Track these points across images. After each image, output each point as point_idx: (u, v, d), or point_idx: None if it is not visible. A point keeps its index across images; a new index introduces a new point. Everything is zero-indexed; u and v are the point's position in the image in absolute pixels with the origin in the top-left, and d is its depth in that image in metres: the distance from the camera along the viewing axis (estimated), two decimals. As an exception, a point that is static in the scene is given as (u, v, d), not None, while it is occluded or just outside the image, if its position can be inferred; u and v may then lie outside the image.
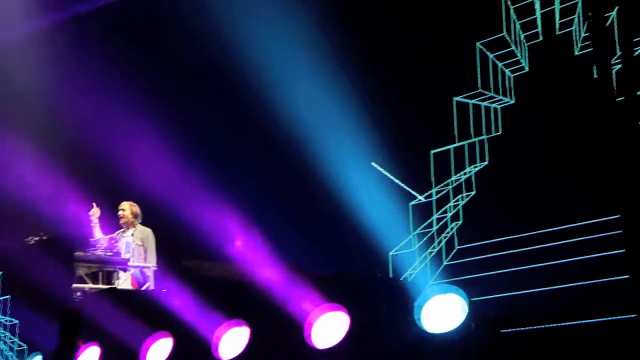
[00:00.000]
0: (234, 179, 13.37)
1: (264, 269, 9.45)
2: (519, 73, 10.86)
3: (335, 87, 12.09)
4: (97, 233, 12.46)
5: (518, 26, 10.90)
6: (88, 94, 14.39)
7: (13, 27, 15.33)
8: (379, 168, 11.53)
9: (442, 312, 7.97)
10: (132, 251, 12.34)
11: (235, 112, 13.52)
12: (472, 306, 7.84)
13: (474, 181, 11.03)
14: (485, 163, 10.94)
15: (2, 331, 11.53)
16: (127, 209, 12.66)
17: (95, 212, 12.49)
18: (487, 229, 10.55)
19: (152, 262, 12.40)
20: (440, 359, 7.81)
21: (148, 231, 12.59)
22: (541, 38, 10.76)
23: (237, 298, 9.34)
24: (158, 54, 14.72)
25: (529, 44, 10.82)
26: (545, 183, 10.32)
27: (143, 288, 12.13)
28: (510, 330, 8.21)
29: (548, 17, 10.74)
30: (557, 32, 10.62)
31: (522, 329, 8.27)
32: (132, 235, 12.50)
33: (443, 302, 8.02)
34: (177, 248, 12.70)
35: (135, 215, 12.64)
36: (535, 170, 10.43)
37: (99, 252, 12.10)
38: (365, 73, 12.04)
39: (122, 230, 12.64)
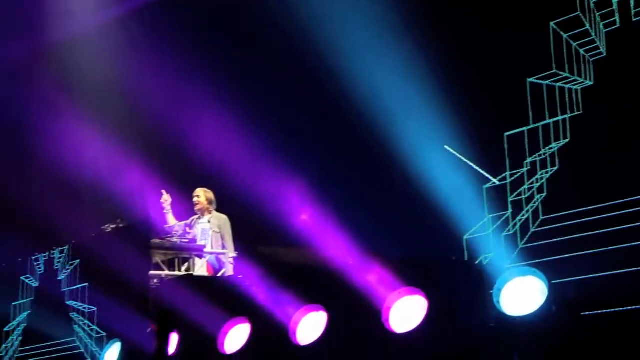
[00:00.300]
0: (310, 164, 13.37)
1: (341, 254, 9.46)
2: (598, 57, 10.70)
3: (409, 69, 12.04)
4: (171, 220, 12.53)
5: (594, 9, 10.75)
6: (163, 82, 14.48)
7: (89, 16, 15.49)
8: (452, 151, 11.45)
9: (522, 294, 7.93)
10: (209, 238, 12.39)
11: (311, 96, 13.49)
12: (552, 288, 7.78)
13: (548, 161, 10.91)
14: (565, 141, 10.79)
15: (81, 318, 11.68)
16: (202, 195, 12.71)
17: (166, 199, 12.56)
18: (566, 209, 10.42)
19: (230, 248, 12.44)
20: (520, 341, 7.77)
21: (224, 218, 12.63)
22: (618, 24, 10.59)
23: (314, 283, 9.36)
24: (232, 38, 14.75)
25: (606, 30, 10.65)
26: (630, 162, 10.14)
27: (219, 275, 12.20)
28: (591, 312, 8.13)
29: (624, 3, 10.56)
30: (634, 19, 10.45)
31: (604, 311, 8.18)
32: (209, 222, 12.53)
33: (522, 284, 7.98)
34: (252, 234, 12.74)
35: (210, 202, 12.67)
36: (619, 150, 10.25)
37: (175, 239, 12.17)
38: (439, 55, 11.97)
39: (197, 216, 12.69)
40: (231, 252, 12.37)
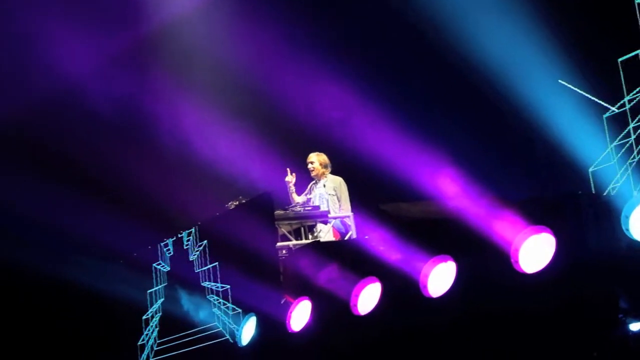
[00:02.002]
0: (424, 113, 13.28)
1: (463, 201, 9.35)
2: None
3: (517, 5, 11.84)
4: (296, 198, 12.60)
5: None
6: (277, 57, 14.50)
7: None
8: (567, 85, 11.18)
9: (651, 219, 7.71)
10: (325, 202, 12.39)
11: (425, 44, 13.37)
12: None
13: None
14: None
15: (215, 297, 11.80)
16: (316, 160, 12.70)
17: (291, 179, 12.60)
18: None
19: (346, 209, 12.43)
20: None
21: (339, 180, 12.62)
22: None
23: (439, 234, 9.29)
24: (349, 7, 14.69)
25: None
26: None
27: (345, 238, 12.20)
28: None
29: None
30: None
31: None
32: (324, 186, 12.54)
33: (650, 209, 7.76)
34: (373, 193, 12.70)
35: (324, 165, 12.66)
36: None
37: (299, 208, 12.23)
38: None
39: (313, 182, 12.71)
40: (347, 213, 12.36)
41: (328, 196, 12.41)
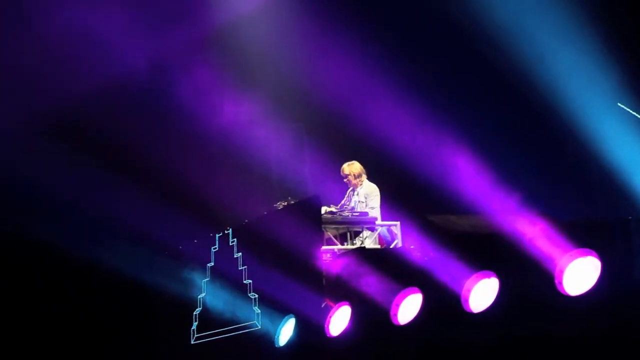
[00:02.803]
0: (478, 128, 13.22)
1: (512, 218, 9.28)
2: None
3: (575, 29, 11.76)
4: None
5: None
6: (331, 59, 14.49)
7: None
8: (625, 108, 11.07)
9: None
10: (357, 209, 12.36)
11: (479, 65, 13.32)
12: None
13: None
14: None
15: (257, 296, 11.82)
16: (347, 170, 12.67)
17: None
18: None
19: (376, 217, 12.38)
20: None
21: (372, 187, 12.58)
22: None
23: (485, 250, 9.22)
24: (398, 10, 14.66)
25: None
26: None
27: (391, 246, 12.15)
28: None
29: None
30: None
31: None
32: (358, 193, 12.54)
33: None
34: (422, 203, 12.65)
35: (357, 175, 12.62)
36: None
37: (346, 213, 12.21)
38: (603, 11, 11.65)
39: (350, 189, 12.71)
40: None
41: (358, 203, 12.39)
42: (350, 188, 12.68)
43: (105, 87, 14.76)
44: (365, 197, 12.44)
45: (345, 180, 12.71)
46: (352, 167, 12.66)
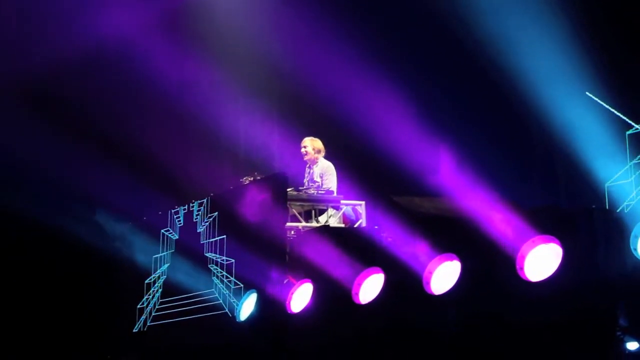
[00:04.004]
0: (445, 112, 13.26)
1: (477, 203, 9.33)
2: None
3: (546, 15, 11.80)
4: None
5: None
6: (309, 46, 14.47)
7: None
8: (593, 97, 11.13)
9: (661, 241, 7.68)
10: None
11: (451, 48, 13.34)
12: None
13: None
14: None
15: (219, 270, 11.83)
16: (309, 144, 12.63)
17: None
18: None
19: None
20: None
21: (327, 165, 12.54)
22: None
23: (448, 233, 9.29)
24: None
25: None
26: None
27: (355, 225, 12.19)
28: None
29: None
30: None
31: None
32: (314, 172, 12.53)
33: (661, 231, 7.73)
34: (387, 184, 12.68)
35: (317, 150, 12.58)
36: None
37: (312, 191, 12.22)
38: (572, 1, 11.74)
39: (307, 166, 12.68)
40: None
41: (312, 183, 12.39)
42: (307, 165, 12.65)
43: (73, 57, 14.66)
44: (321, 176, 12.40)
45: (303, 151, 12.61)
46: (314, 142, 12.61)
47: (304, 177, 12.67)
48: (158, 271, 13.03)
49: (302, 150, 12.63)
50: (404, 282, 9.32)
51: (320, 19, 13.98)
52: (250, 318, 11.27)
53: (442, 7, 12.93)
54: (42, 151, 14.31)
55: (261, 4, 15.27)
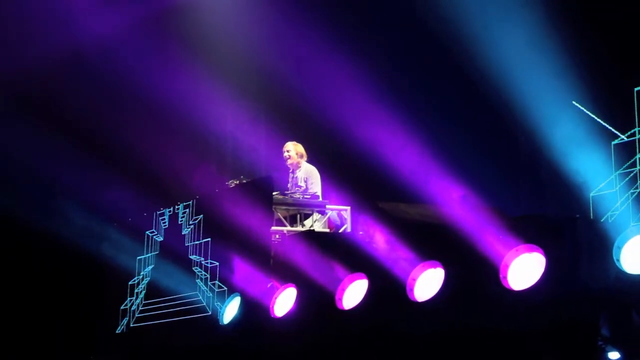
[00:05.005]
0: (430, 120, 13.26)
1: (461, 210, 9.35)
2: None
3: (533, 26, 11.82)
4: None
5: None
6: (296, 49, 14.47)
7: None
8: (579, 107, 11.16)
9: (643, 252, 7.70)
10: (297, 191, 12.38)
11: (436, 57, 13.35)
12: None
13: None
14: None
15: (203, 273, 11.83)
16: (292, 149, 12.62)
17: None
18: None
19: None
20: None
21: (311, 169, 12.54)
22: None
23: (433, 240, 9.30)
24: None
25: None
26: None
27: (340, 230, 12.20)
28: None
29: None
30: None
31: None
32: (297, 176, 12.52)
33: (644, 242, 7.75)
34: (373, 190, 12.69)
35: (300, 155, 12.58)
36: None
37: (297, 195, 12.21)
38: (564, 10, 11.73)
39: (291, 171, 12.67)
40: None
41: (298, 187, 12.39)
42: (290, 170, 12.64)
43: (60, 57, 14.65)
44: (305, 180, 12.39)
45: (285, 155, 12.57)
46: (297, 147, 12.61)
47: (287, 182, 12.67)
48: (142, 273, 13.02)
49: (285, 154, 12.61)
50: (388, 288, 9.32)
51: (308, 24, 13.97)
52: (234, 321, 11.28)
53: (431, 15, 12.93)
54: (27, 151, 14.30)
55: (248, 7, 15.26)
